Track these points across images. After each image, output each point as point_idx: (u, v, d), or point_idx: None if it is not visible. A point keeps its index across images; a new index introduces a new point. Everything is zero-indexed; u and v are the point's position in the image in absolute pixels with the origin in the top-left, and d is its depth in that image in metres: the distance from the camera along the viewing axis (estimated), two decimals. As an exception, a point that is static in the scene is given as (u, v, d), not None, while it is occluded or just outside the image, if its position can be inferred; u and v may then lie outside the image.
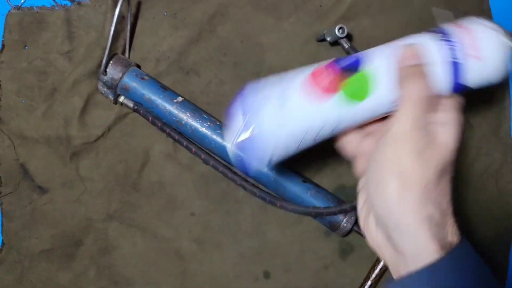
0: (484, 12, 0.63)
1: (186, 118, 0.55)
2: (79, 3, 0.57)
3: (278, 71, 0.59)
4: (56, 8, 0.57)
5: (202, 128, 0.55)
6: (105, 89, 0.56)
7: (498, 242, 0.63)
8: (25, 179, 0.58)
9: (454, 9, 0.62)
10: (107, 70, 0.54)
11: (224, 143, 0.55)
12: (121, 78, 0.55)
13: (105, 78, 0.55)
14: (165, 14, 0.59)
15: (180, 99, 0.55)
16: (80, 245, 0.58)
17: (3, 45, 0.57)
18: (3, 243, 0.57)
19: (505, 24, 0.64)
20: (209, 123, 0.55)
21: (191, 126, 0.55)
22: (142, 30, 0.58)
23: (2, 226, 0.57)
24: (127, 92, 0.55)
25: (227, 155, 0.55)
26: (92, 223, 0.58)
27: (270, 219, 0.60)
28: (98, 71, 0.56)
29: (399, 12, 0.61)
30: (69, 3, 0.57)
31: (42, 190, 0.58)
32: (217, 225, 0.59)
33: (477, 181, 0.63)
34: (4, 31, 0.56)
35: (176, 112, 0.55)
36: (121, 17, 0.57)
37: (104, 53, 0.54)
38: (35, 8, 0.57)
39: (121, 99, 0.56)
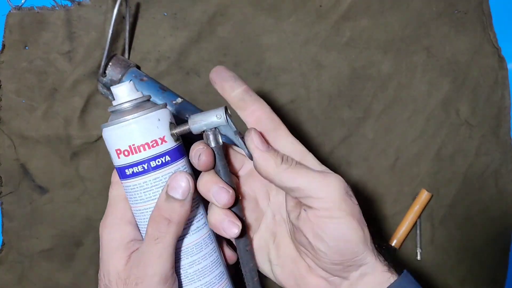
0: (484, 12, 0.63)
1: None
2: (79, 3, 0.57)
3: (278, 71, 0.60)
4: (57, 8, 0.57)
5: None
6: (105, 90, 0.56)
7: (497, 241, 0.63)
8: (25, 179, 0.58)
9: (453, 9, 0.62)
10: (106, 71, 0.54)
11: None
12: (120, 79, 0.55)
13: (104, 79, 0.55)
14: (165, 14, 0.59)
15: (179, 100, 0.55)
16: (80, 245, 0.58)
17: (3, 45, 0.56)
18: (3, 243, 0.57)
19: (505, 24, 0.64)
20: None
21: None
22: (142, 30, 0.58)
23: (2, 226, 0.57)
24: None
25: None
26: (92, 223, 0.58)
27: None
28: (98, 71, 0.56)
29: (399, 12, 0.61)
30: (69, 3, 0.57)
31: (42, 190, 0.58)
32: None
33: (476, 181, 0.63)
34: (4, 31, 0.56)
35: (175, 113, 0.55)
36: (121, 17, 0.57)
37: (103, 52, 0.55)
38: (35, 8, 0.57)
39: None
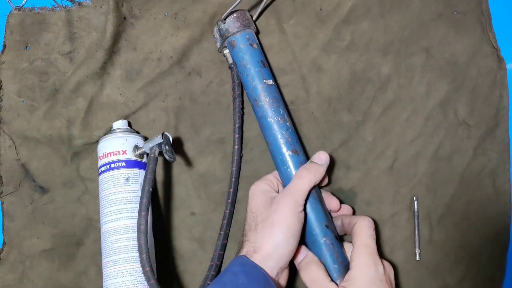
0: (483, 13, 0.63)
1: (264, 101, 0.55)
2: (80, 4, 0.57)
3: (278, 72, 0.60)
4: (57, 8, 0.57)
5: (270, 119, 0.54)
6: (218, 35, 0.58)
7: (495, 241, 0.63)
8: (26, 179, 0.58)
9: (453, 10, 0.62)
10: (227, 19, 0.56)
11: (281, 144, 0.54)
12: (234, 33, 0.56)
13: (222, 25, 0.56)
14: (166, 14, 0.59)
15: (270, 82, 0.55)
16: (81, 244, 0.58)
17: (4, 46, 0.57)
18: (4, 243, 0.58)
19: (505, 24, 0.64)
20: (279, 119, 0.54)
21: (264, 111, 0.55)
22: (143, 30, 0.58)
23: (3, 225, 0.58)
24: (232, 48, 0.56)
25: (280, 155, 0.54)
26: (93, 223, 0.58)
27: (270, 218, 0.60)
28: (101, 72, 0.56)
29: (398, 14, 0.61)
30: (70, 4, 0.57)
31: (43, 190, 0.58)
32: (218, 224, 0.60)
33: (474, 180, 0.63)
34: (5, 31, 0.56)
35: (260, 91, 0.55)
36: (123, 18, 0.57)
37: (105, 53, 0.55)
38: (36, 9, 0.57)
39: (226, 51, 0.58)
